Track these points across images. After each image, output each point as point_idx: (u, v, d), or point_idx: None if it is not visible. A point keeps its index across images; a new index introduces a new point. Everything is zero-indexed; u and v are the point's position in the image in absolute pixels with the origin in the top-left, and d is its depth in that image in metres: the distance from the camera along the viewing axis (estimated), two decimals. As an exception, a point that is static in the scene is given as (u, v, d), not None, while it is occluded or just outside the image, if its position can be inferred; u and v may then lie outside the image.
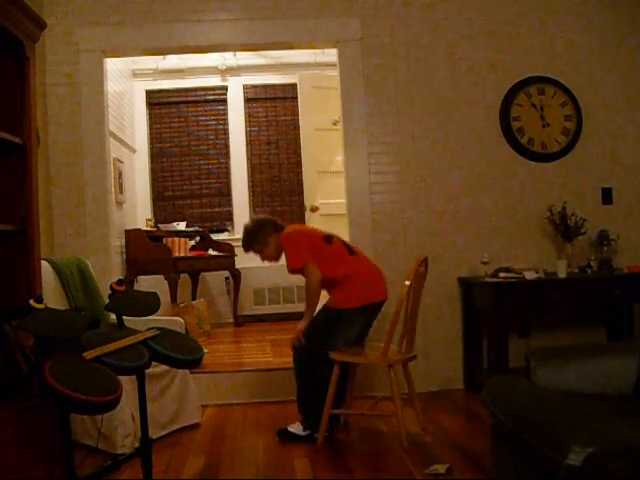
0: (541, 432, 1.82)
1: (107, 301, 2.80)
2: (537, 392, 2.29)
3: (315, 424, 3.40)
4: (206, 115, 7.14)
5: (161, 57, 6.48)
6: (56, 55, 4.30)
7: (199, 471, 3.08)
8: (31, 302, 2.36)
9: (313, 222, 6.00)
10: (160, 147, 7.09)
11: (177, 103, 7.11)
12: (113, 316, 2.74)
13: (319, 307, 3.54)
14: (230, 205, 7.12)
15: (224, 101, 7.14)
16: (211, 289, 6.85)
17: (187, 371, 3.73)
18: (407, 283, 3.29)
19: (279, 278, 6.75)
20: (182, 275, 6.01)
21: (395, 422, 3.37)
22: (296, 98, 6.28)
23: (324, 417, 3.40)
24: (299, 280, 6.63)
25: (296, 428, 3.44)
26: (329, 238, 3.57)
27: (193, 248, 6.33)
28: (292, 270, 3.50)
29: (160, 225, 6.48)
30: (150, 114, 7.07)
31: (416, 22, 4.47)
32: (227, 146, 7.13)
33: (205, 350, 2.88)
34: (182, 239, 6.15)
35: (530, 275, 4.11)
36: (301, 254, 3.46)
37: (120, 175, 5.83)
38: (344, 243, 3.64)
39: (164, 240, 6.01)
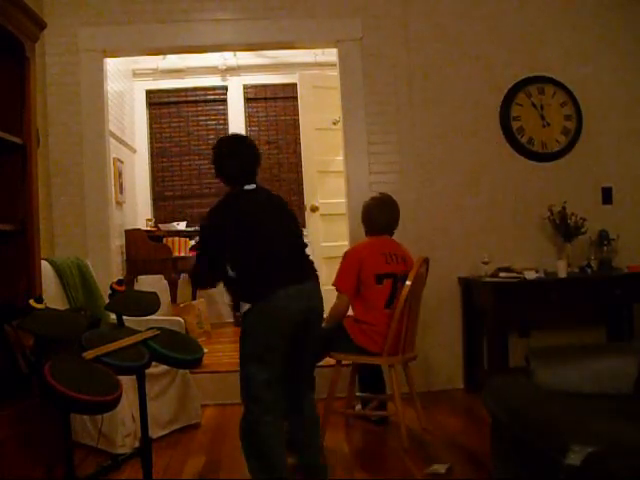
0: (541, 432, 1.82)
1: (107, 301, 2.81)
2: (537, 392, 2.29)
3: None
4: (206, 115, 7.14)
5: (161, 57, 6.47)
6: (56, 55, 4.30)
7: (199, 471, 3.09)
8: (31, 302, 2.36)
9: (313, 222, 6.01)
10: (160, 147, 7.09)
11: (177, 103, 7.10)
12: (113, 316, 2.74)
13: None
14: (230, 205, 7.11)
15: (224, 101, 7.13)
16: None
17: (187, 371, 3.73)
18: (408, 283, 3.29)
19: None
20: (182, 275, 6.01)
21: (396, 422, 3.37)
22: (296, 98, 6.27)
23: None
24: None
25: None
26: (381, 278, 3.41)
27: (193, 248, 6.33)
28: (334, 284, 3.49)
29: (160, 225, 6.48)
30: (150, 114, 7.07)
31: (416, 22, 4.48)
32: (227, 146, 7.12)
33: (205, 350, 2.88)
34: (182, 239, 6.15)
35: (530, 275, 4.11)
36: (343, 279, 3.45)
37: (120, 175, 5.82)
38: (392, 287, 3.42)
39: (164, 240, 6.01)
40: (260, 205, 2.75)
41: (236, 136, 2.97)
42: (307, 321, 2.62)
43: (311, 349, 2.76)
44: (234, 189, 2.77)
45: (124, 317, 2.69)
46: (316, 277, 2.73)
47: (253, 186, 2.77)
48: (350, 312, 3.53)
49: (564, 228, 4.36)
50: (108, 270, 4.33)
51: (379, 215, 3.60)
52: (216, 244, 2.65)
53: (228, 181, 2.80)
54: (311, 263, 2.78)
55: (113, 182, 5.28)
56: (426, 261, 3.49)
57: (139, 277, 5.91)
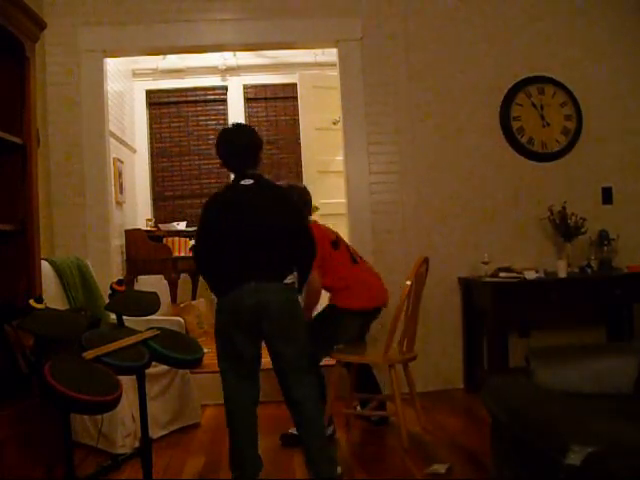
0: (541, 432, 1.82)
1: (107, 301, 2.81)
2: (537, 392, 2.29)
3: None
4: (206, 115, 7.14)
5: (161, 57, 6.46)
6: (56, 55, 4.30)
7: (199, 471, 3.09)
8: (31, 302, 2.36)
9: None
10: (160, 147, 7.09)
11: (177, 103, 7.10)
12: (113, 316, 2.74)
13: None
14: (230, 205, 7.10)
15: (224, 101, 7.13)
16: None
17: (187, 371, 3.73)
18: (408, 283, 3.29)
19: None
20: (182, 275, 6.01)
21: (395, 422, 3.37)
22: (296, 98, 6.27)
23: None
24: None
25: None
26: (336, 243, 3.57)
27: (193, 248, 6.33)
28: None
29: (160, 225, 6.48)
30: (150, 114, 7.06)
31: (416, 22, 4.47)
32: (227, 146, 7.12)
33: (205, 350, 2.88)
34: (182, 239, 6.15)
35: (530, 275, 4.11)
36: None
37: (120, 175, 5.82)
38: (348, 249, 3.65)
39: (164, 240, 6.01)
40: (240, 203, 2.76)
41: (231, 126, 3.00)
42: (260, 316, 2.65)
43: (281, 344, 2.70)
44: (231, 182, 2.86)
45: (124, 317, 2.69)
46: (279, 277, 2.71)
47: (249, 182, 2.79)
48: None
49: (564, 228, 4.36)
50: (108, 270, 4.33)
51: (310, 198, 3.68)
52: (196, 238, 2.89)
53: (229, 170, 2.90)
54: (283, 263, 2.74)
55: (113, 182, 5.27)
56: (426, 261, 3.49)
57: (139, 277, 5.91)
